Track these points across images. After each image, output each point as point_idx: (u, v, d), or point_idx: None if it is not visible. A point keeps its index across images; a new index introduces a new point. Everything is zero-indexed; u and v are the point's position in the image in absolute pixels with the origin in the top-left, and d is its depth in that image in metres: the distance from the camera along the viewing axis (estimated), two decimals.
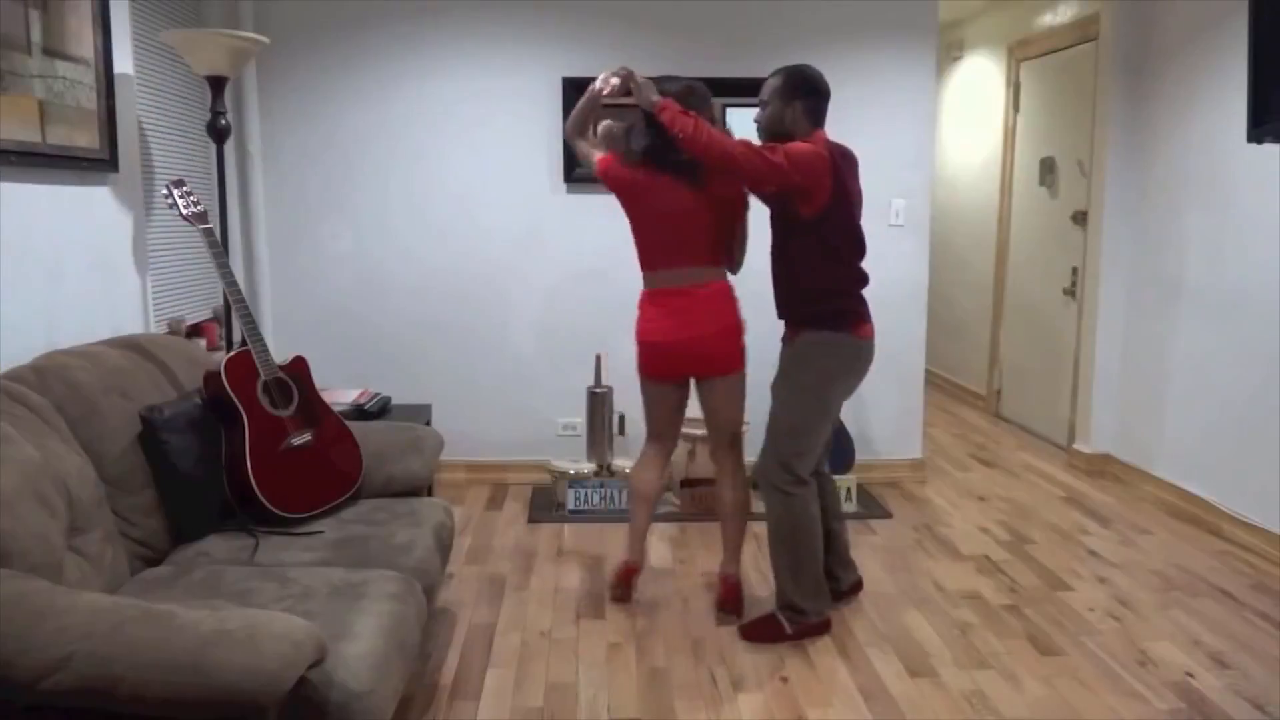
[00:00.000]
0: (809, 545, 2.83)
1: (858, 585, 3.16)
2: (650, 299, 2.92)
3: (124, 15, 3.00)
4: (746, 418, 3.10)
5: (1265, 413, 3.60)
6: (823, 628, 2.89)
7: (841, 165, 2.78)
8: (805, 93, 2.80)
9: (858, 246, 2.85)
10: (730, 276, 2.95)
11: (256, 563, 2.32)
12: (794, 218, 2.77)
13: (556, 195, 4.30)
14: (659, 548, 3.64)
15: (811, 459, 2.83)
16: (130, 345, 2.59)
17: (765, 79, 2.87)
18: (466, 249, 4.34)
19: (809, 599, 2.85)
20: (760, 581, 3.26)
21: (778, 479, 2.80)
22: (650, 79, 2.82)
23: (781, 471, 2.79)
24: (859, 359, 2.84)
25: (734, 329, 2.90)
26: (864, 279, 2.86)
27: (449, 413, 4.29)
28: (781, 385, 2.85)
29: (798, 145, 2.71)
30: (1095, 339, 4.60)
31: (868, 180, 4.30)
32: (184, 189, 2.70)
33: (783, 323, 2.92)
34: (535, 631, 2.92)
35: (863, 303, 2.85)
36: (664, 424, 3.07)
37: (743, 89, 4.21)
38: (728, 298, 2.90)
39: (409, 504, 2.74)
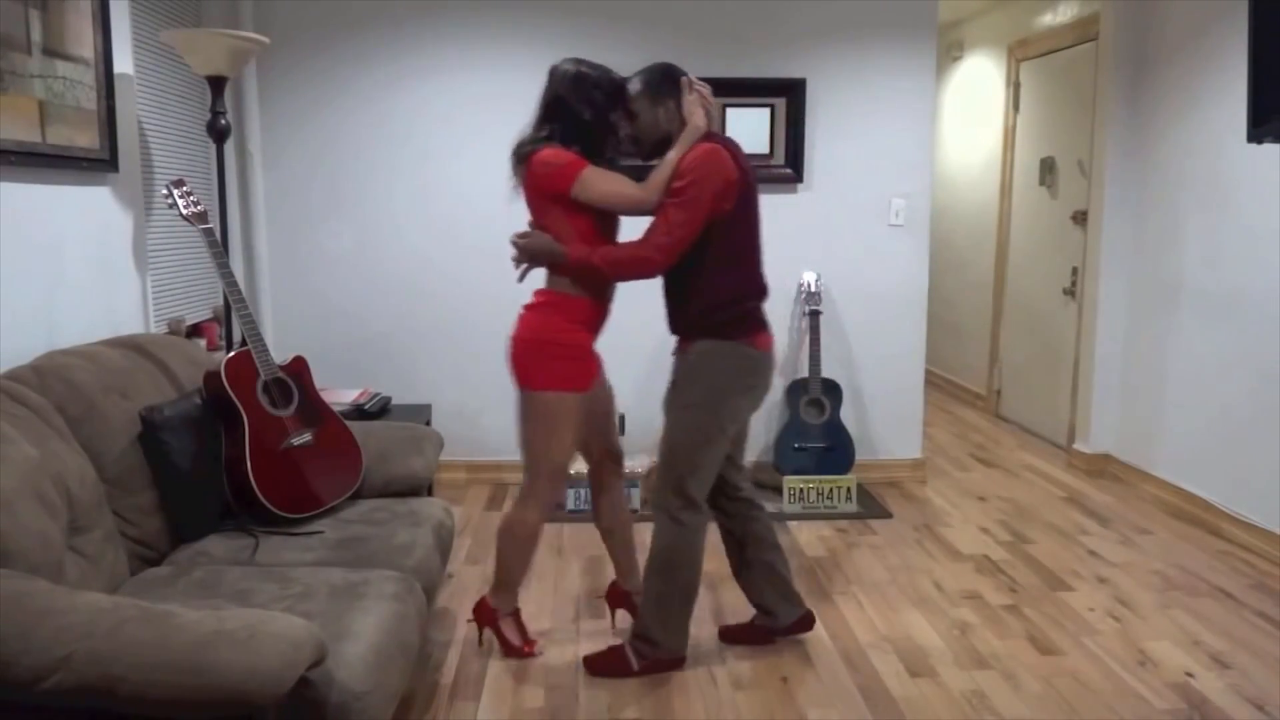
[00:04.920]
0: (683, 581, 2.62)
1: (803, 623, 2.84)
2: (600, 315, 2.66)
3: (124, 15, 3.00)
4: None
5: (1265, 413, 3.60)
6: (674, 664, 2.68)
7: (741, 159, 2.53)
8: (673, 89, 2.54)
9: (759, 251, 2.62)
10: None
11: (256, 563, 2.32)
12: None
13: None
14: None
15: (706, 479, 2.59)
16: (130, 345, 2.59)
17: (631, 84, 2.59)
18: (467, 249, 4.33)
19: (668, 635, 2.65)
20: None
21: (668, 503, 2.58)
22: (572, 59, 2.62)
23: (673, 495, 2.57)
24: (756, 371, 2.59)
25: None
26: (765, 289, 2.62)
27: (449, 413, 4.29)
28: (672, 400, 2.60)
29: (688, 166, 2.44)
30: (1095, 339, 4.60)
31: (867, 180, 4.36)
32: (184, 189, 2.69)
33: (675, 336, 2.66)
34: (535, 631, 2.92)
35: (761, 311, 2.61)
36: None
37: (743, 89, 4.23)
38: None
39: (409, 504, 2.74)
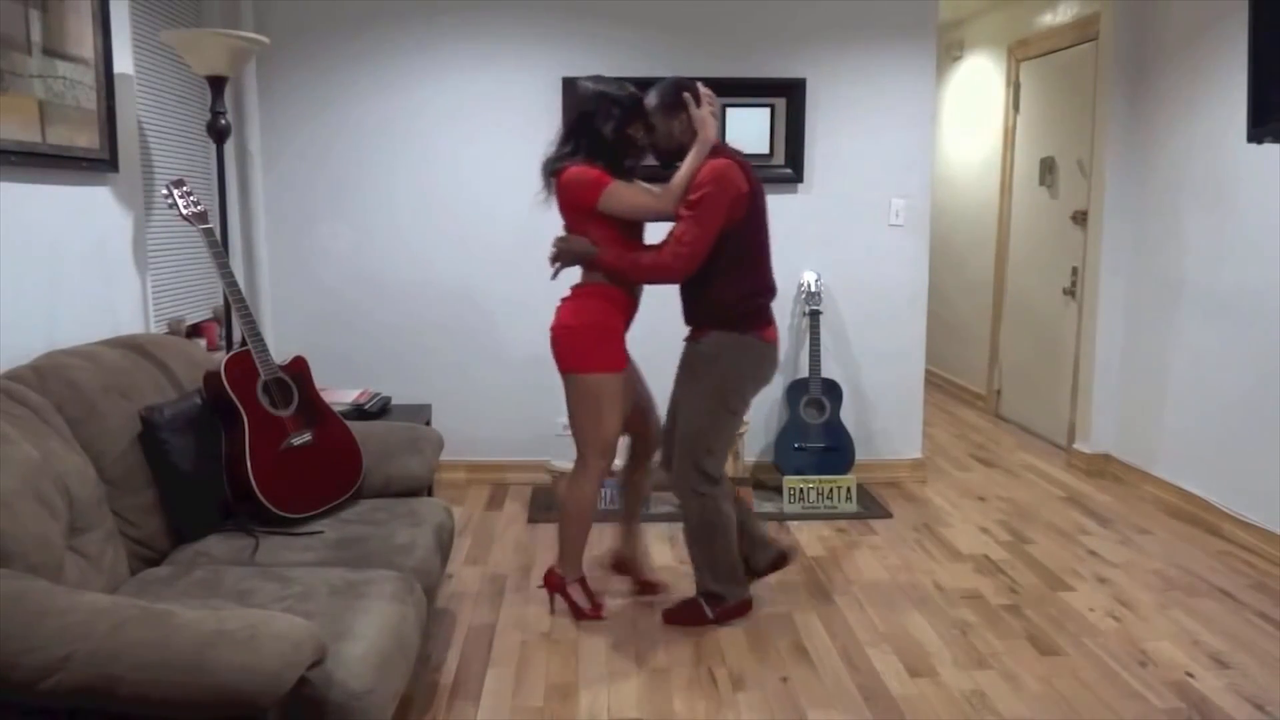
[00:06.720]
0: (723, 540, 2.90)
1: (780, 559, 3.08)
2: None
3: (124, 15, 3.01)
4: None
5: (1265, 413, 3.60)
6: (743, 608, 3.00)
7: (750, 173, 2.78)
8: (685, 103, 2.78)
9: (768, 256, 2.88)
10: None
11: (256, 563, 2.32)
12: None
13: None
14: (658, 547, 3.64)
15: (721, 458, 2.88)
16: (130, 345, 2.59)
17: (650, 100, 2.82)
18: (467, 248, 4.34)
19: (725, 585, 2.95)
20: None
21: (691, 481, 2.85)
22: (592, 77, 2.90)
23: (694, 473, 2.84)
24: (764, 361, 2.88)
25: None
26: (773, 288, 2.90)
27: (449, 413, 4.28)
28: (686, 387, 2.88)
29: (702, 180, 2.69)
30: (1095, 339, 4.60)
31: (867, 180, 4.36)
32: (184, 189, 2.69)
33: (689, 327, 2.93)
34: (535, 631, 2.92)
35: (768, 307, 2.89)
36: None
37: (743, 89, 4.23)
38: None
39: (409, 504, 2.74)
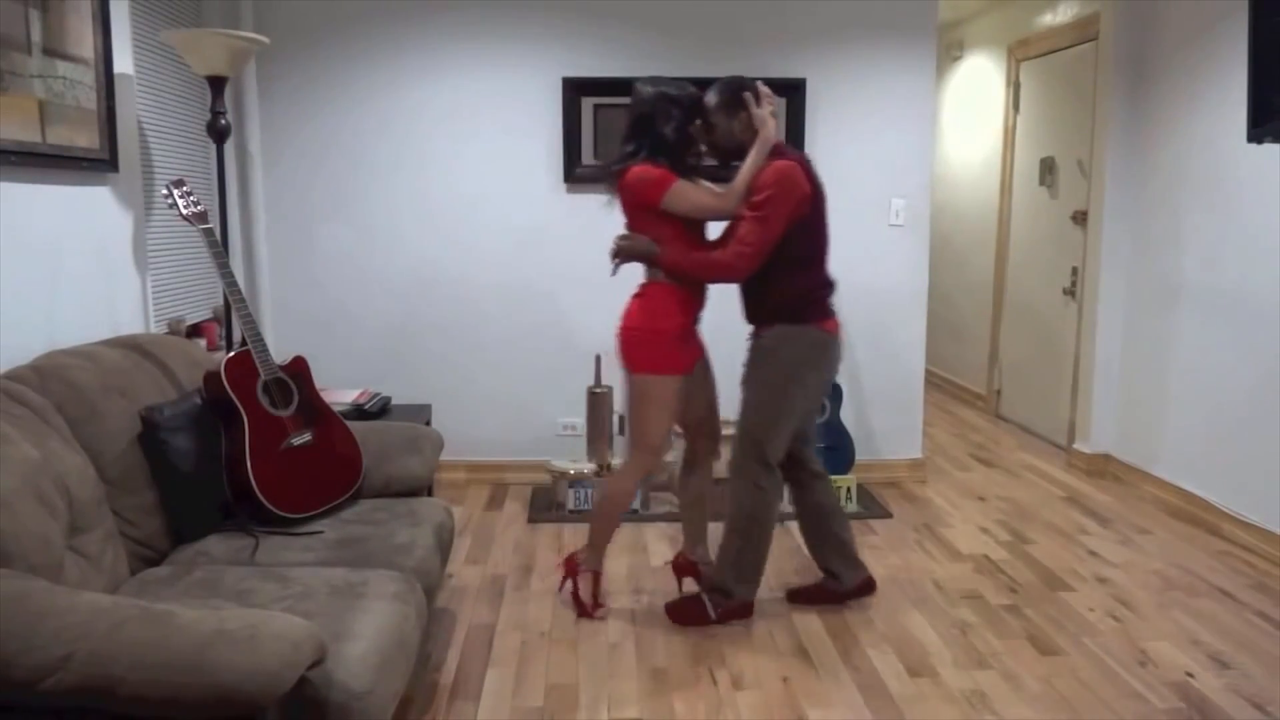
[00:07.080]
0: (757, 538, 2.92)
1: (866, 586, 3.12)
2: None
3: (124, 15, 3.01)
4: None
5: (1265, 413, 3.60)
6: (745, 609, 2.99)
7: (811, 172, 2.80)
8: (745, 102, 2.80)
9: (827, 252, 2.90)
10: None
11: (256, 563, 2.32)
12: None
13: (557, 195, 4.30)
14: (659, 547, 3.64)
15: (781, 447, 2.89)
16: (130, 345, 2.59)
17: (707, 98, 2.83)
18: (467, 249, 4.34)
19: (739, 583, 2.96)
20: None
21: (751, 471, 2.87)
22: (651, 78, 2.89)
23: (754, 463, 2.86)
24: (827, 352, 2.89)
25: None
26: (833, 282, 2.92)
27: (449, 413, 4.29)
28: (750, 378, 2.91)
29: (767, 181, 2.70)
30: (1095, 339, 4.60)
31: (867, 180, 4.36)
32: (184, 189, 2.69)
33: (751, 325, 2.95)
34: (535, 631, 2.92)
35: (829, 300, 2.91)
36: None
37: None
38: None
39: (409, 504, 2.74)
